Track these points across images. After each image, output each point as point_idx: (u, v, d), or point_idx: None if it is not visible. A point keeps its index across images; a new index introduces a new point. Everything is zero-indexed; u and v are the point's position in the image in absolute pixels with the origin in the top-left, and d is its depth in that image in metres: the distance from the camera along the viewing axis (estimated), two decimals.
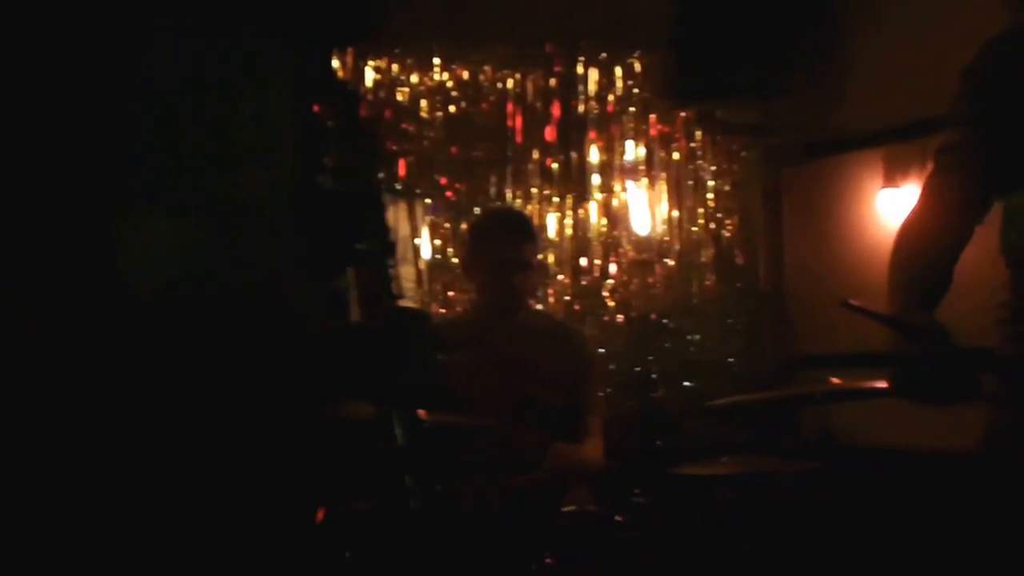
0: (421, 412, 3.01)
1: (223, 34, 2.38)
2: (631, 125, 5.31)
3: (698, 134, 5.27)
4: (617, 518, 3.30)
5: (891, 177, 4.88)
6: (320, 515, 3.20)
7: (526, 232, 4.09)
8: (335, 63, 4.76)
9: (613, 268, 5.33)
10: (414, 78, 5.04)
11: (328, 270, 2.48)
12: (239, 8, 2.40)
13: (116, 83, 2.23)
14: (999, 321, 2.22)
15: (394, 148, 4.98)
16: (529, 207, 5.22)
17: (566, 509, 3.34)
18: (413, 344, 2.31)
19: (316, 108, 2.61)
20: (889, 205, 4.88)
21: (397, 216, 5.09)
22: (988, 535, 2.20)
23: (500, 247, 4.00)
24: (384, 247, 2.31)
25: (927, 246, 2.23)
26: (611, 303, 5.30)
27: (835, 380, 3.42)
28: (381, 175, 4.89)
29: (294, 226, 2.43)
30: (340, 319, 2.51)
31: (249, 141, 2.38)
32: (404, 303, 2.32)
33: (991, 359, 2.09)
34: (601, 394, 4.25)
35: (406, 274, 5.11)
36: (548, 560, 3.14)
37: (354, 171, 2.43)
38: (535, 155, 5.22)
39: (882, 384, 3.29)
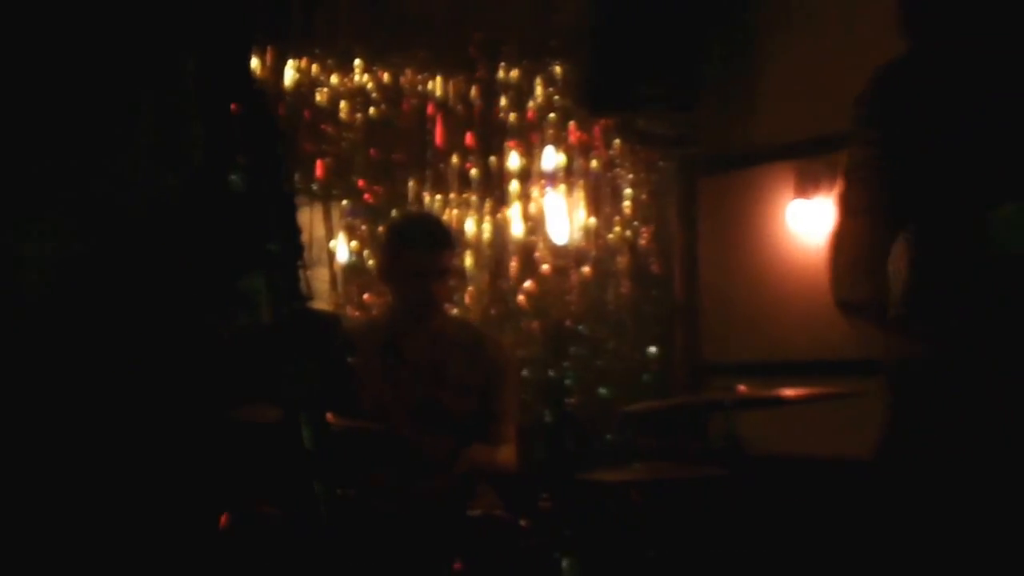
0: (329, 416, 3.00)
1: (128, 33, 2.36)
2: (551, 132, 5.33)
3: (617, 143, 5.30)
4: (522, 523, 3.30)
5: (802, 189, 4.97)
6: (224, 520, 3.17)
7: (444, 240, 4.09)
8: (254, 62, 4.72)
9: (529, 274, 5.35)
10: (334, 79, 5.01)
11: (236, 272, 2.47)
12: (147, 6, 2.38)
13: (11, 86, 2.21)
14: (891, 332, 2.26)
15: (312, 149, 4.94)
16: (447, 212, 5.21)
17: (472, 514, 3.34)
18: (321, 347, 2.29)
19: (228, 108, 2.59)
20: (800, 216, 4.96)
21: (313, 218, 5.06)
22: (880, 539, 2.24)
23: (418, 255, 4.00)
24: (294, 249, 2.30)
25: (853, 259, 2.27)
26: (527, 309, 5.32)
27: (743, 388, 3.48)
28: (297, 176, 4.86)
29: (202, 228, 2.41)
30: (247, 321, 2.50)
31: (155, 141, 2.36)
32: (314, 306, 2.30)
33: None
34: (517, 401, 4.26)
35: (321, 276, 5.09)
36: (457, 565, 3.14)
37: (265, 172, 2.41)
38: (454, 160, 5.21)
39: (788, 392, 3.36)
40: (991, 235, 2.00)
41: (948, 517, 2.08)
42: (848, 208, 2.29)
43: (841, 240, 2.30)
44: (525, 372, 5.09)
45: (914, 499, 2.16)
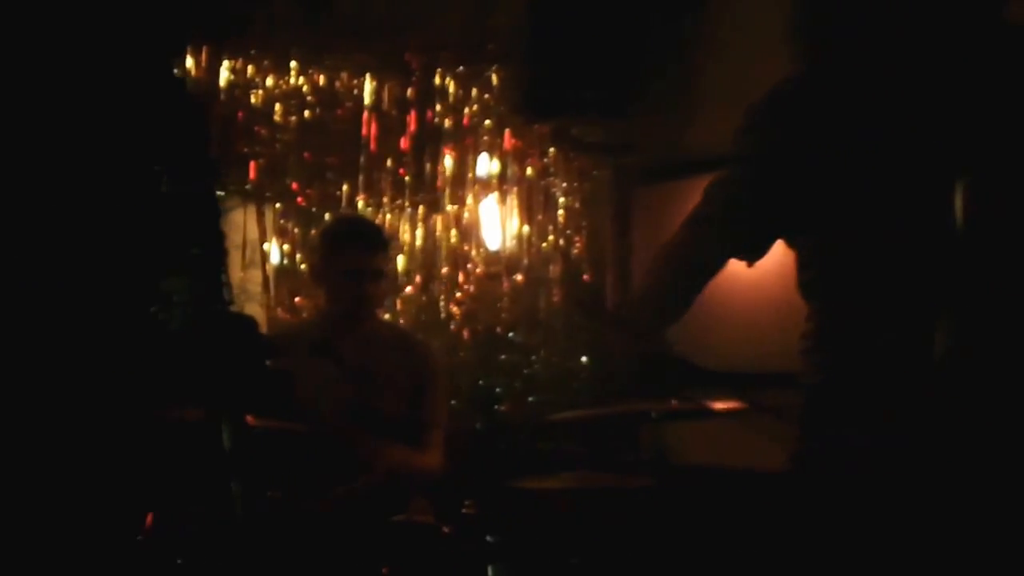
0: (249, 417, 2.99)
1: (54, 31, 2.34)
2: (486, 138, 5.34)
3: (552, 150, 5.32)
4: (445, 529, 3.31)
5: None
6: (149, 520, 3.15)
7: (377, 241, 4.10)
8: (189, 62, 4.70)
9: (462, 280, 5.36)
10: (269, 81, 4.99)
11: (160, 273, 2.45)
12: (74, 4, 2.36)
13: None
14: (802, 351, 2.29)
15: (246, 150, 4.91)
16: (380, 216, 5.21)
17: (396, 519, 3.34)
18: (242, 349, 2.29)
19: (156, 110, 2.57)
20: None
21: (247, 219, 5.04)
22: (794, 550, 2.27)
23: (350, 257, 4.01)
24: (217, 254, 2.29)
25: (678, 274, 2.33)
26: (458, 315, 5.32)
27: (673, 400, 3.50)
28: (230, 177, 4.84)
29: (125, 228, 2.39)
30: (169, 323, 2.48)
31: (78, 141, 2.34)
32: (235, 308, 2.29)
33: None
34: (446, 406, 4.27)
35: (254, 278, 5.07)
36: (384, 570, 3.15)
37: (191, 176, 2.40)
38: (388, 164, 5.22)
39: (718, 404, 3.39)
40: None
41: (851, 531, 2.11)
42: (691, 217, 2.33)
43: (667, 252, 2.35)
44: (456, 378, 5.10)
45: (819, 512, 2.20)
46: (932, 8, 2.10)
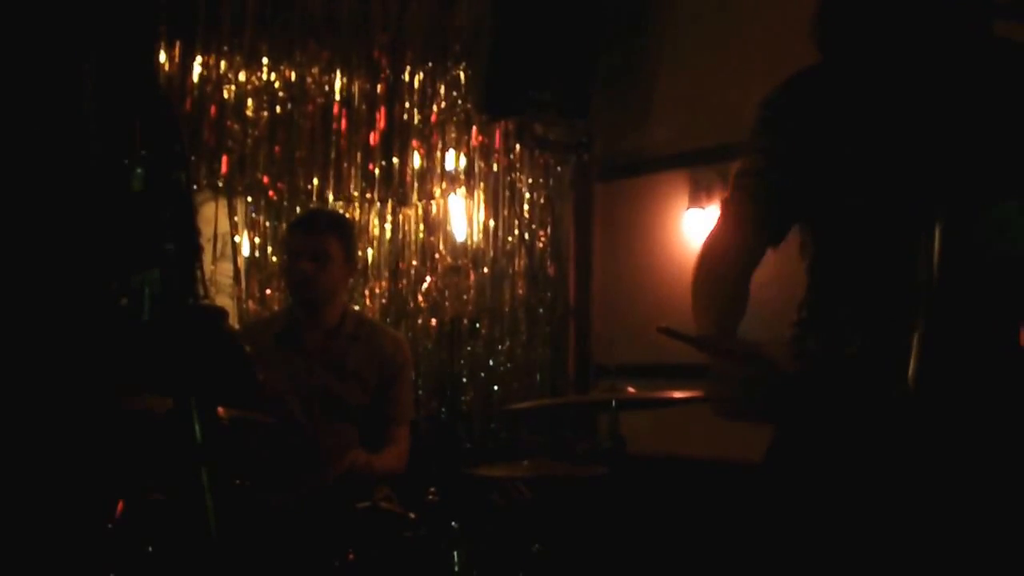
0: (219, 408, 3.07)
1: (27, 28, 2.39)
2: (453, 135, 5.40)
3: (517, 147, 5.40)
4: (411, 515, 3.37)
5: (696, 198, 5.08)
6: (119, 507, 3.21)
7: (324, 224, 4.13)
8: (161, 57, 4.74)
9: (428, 273, 5.43)
10: (241, 76, 5.03)
11: (130, 268, 2.52)
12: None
13: None
14: (792, 339, 2.35)
15: (217, 145, 4.96)
16: (349, 210, 5.26)
17: (360, 506, 3.41)
18: (210, 340, 2.36)
19: (128, 105, 2.64)
20: (694, 224, 5.08)
21: (218, 213, 5.08)
22: (763, 542, 2.34)
23: (293, 239, 4.10)
24: (191, 249, 2.37)
25: (723, 267, 2.31)
26: (425, 307, 5.40)
27: (631, 389, 3.59)
28: (202, 171, 4.87)
29: (95, 223, 2.45)
30: (139, 315, 2.56)
31: (48, 136, 2.40)
32: (205, 301, 2.34)
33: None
34: (410, 399, 4.32)
35: (225, 271, 5.11)
36: (351, 556, 3.19)
37: (164, 171, 2.47)
38: (358, 158, 5.26)
39: (676, 394, 3.45)
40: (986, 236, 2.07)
41: (819, 525, 2.15)
42: (731, 216, 2.34)
43: (716, 246, 2.34)
44: (421, 368, 5.17)
45: (789, 503, 2.23)
46: (931, 14, 2.14)
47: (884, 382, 2.04)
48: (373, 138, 5.29)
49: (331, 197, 5.21)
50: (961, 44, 2.14)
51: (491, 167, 5.45)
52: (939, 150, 2.07)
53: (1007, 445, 2.09)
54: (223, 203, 5.06)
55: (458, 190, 5.42)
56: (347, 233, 4.20)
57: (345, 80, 5.21)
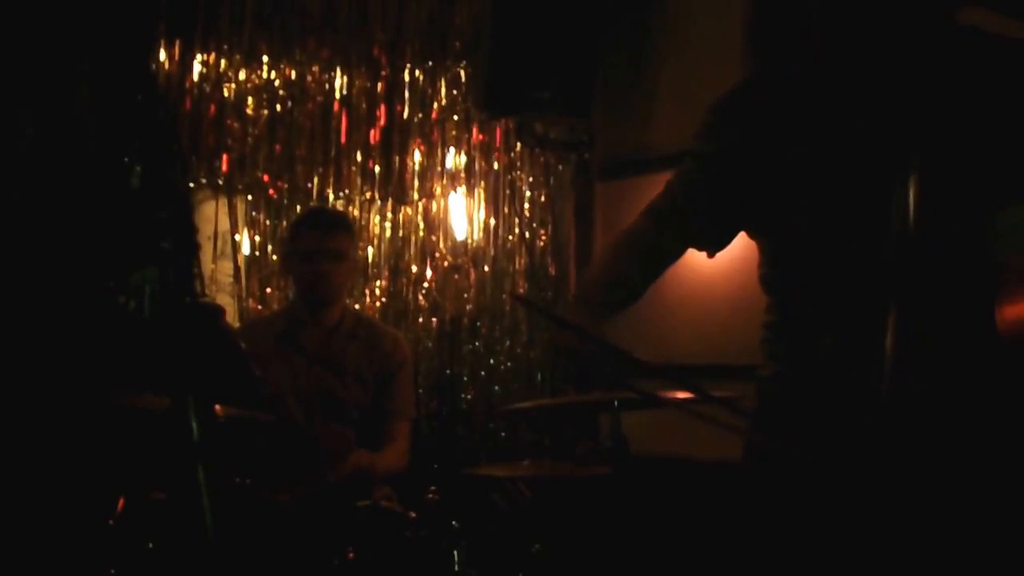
0: (216, 407, 3.07)
1: (23, 27, 2.38)
2: (453, 133, 5.39)
3: (518, 146, 5.39)
4: (412, 514, 3.37)
5: None
6: (120, 505, 3.20)
7: (335, 223, 4.15)
8: (161, 55, 4.73)
9: (429, 272, 5.42)
10: (241, 74, 5.03)
11: (127, 266, 2.52)
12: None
13: None
14: (762, 341, 2.35)
15: (217, 143, 4.95)
16: (350, 209, 5.26)
17: (361, 505, 3.41)
18: (204, 336, 2.36)
19: (125, 104, 2.63)
20: None
21: (219, 211, 5.08)
22: (746, 541, 2.34)
23: (305, 238, 4.09)
24: (188, 248, 2.36)
25: (637, 258, 2.38)
26: (425, 306, 5.39)
27: (632, 389, 3.57)
28: (202, 170, 4.87)
29: (93, 221, 2.45)
30: (139, 313, 2.55)
31: (48, 134, 2.39)
32: (203, 298, 2.35)
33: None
34: (411, 398, 4.32)
35: (225, 269, 5.11)
36: (351, 555, 3.19)
37: (161, 170, 2.47)
38: (358, 157, 5.25)
39: (679, 395, 3.44)
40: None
41: (798, 521, 2.17)
42: (648, 209, 2.37)
43: (627, 236, 2.39)
44: (421, 367, 5.16)
45: (769, 502, 2.26)
46: (882, 11, 2.14)
47: (858, 378, 2.03)
48: (373, 136, 5.28)
49: (331, 195, 5.21)
50: (912, 38, 2.12)
51: (491, 166, 5.43)
52: (889, 148, 2.07)
53: (985, 435, 2.09)
54: (223, 201, 5.06)
55: (458, 188, 5.41)
56: (354, 231, 4.30)
57: (345, 78, 5.20)
